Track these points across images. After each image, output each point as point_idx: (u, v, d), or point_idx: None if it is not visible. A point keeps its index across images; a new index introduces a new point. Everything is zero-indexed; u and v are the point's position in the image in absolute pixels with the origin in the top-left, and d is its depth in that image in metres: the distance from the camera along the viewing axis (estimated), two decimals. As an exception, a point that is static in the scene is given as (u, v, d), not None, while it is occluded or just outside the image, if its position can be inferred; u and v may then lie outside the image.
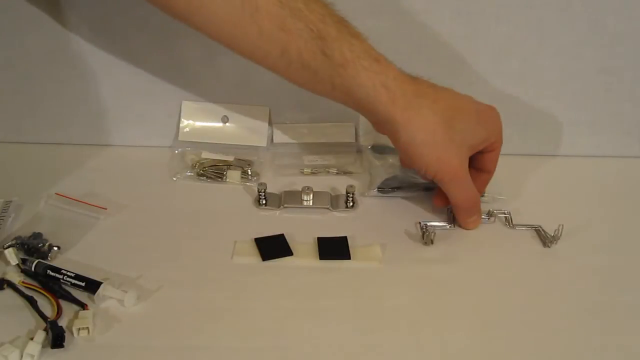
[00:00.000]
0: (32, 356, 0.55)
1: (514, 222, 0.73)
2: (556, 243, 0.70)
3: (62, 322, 0.58)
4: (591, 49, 0.82)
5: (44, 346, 0.56)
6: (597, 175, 0.84)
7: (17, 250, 0.65)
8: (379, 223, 0.74)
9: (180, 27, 0.76)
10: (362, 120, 0.85)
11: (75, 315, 0.59)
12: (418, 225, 0.72)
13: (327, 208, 0.75)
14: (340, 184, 0.78)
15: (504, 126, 0.85)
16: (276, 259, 0.67)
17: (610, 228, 0.74)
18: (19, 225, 0.71)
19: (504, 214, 0.74)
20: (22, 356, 0.55)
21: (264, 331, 0.59)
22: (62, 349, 0.56)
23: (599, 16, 0.80)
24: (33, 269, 0.63)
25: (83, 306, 0.60)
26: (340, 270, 0.67)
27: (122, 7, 0.79)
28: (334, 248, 0.68)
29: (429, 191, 0.77)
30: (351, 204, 0.76)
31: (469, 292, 0.65)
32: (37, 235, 0.67)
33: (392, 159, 0.83)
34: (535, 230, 0.72)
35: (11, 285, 0.62)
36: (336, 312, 0.62)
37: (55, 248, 0.66)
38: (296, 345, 0.58)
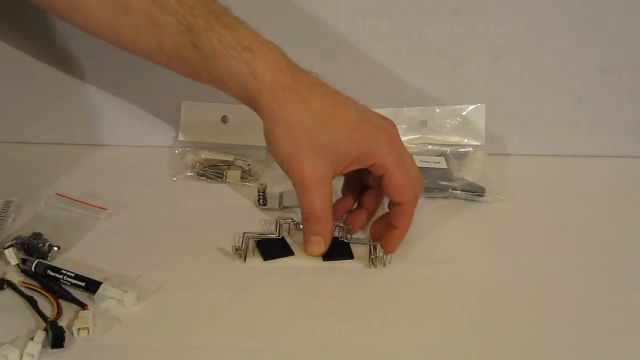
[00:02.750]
0: (32, 356, 0.55)
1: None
2: (384, 265, 0.66)
3: (62, 322, 0.58)
4: (591, 49, 0.82)
5: (44, 346, 0.56)
6: (597, 175, 0.84)
7: (17, 250, 0.65)
8: (379, 223, 0.74)
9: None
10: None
11: (75, 315, 0.59)
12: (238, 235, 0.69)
13: (327, 208, 0.75)
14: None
15: (504, 126, 0.85)
16: (279, 259, 0.67)
17: (611, 228, 0.74)
18: (19, 225, 0.71)
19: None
20: (22, 356, 0.55)
21: (264, 331, 0.59)
22: (62, 349, 0.56)
23: (599, 16, 0.80)
24: (33, 269, 0.63)
25: (83, 306, 0.60)
26: (341, 270, 0.67)
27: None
28: (336, 248, 0.68)
29: (430, 191, 0.77)
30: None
31: (469, 292, 0.65)
32: (37, 235, 0.67)
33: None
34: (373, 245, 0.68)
35: (11, 285, 0.62)
36: (336, 312, 0.62)
37: (55, 248, 0.66)
38: (296, 345, 0.58)
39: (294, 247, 0.69)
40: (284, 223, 0.71)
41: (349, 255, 0.68)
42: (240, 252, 0.67)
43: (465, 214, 0.76)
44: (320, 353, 0.58)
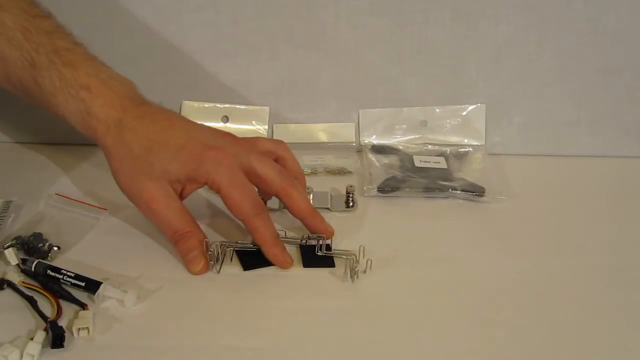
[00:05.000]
0: (32, 356, 0.55)
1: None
2: (357, 276, 0.64)
3: (62, 322, 0.58)
4: (591, 49, 0.82)
5: (44, 346, 0.56)
6: (597, 175, 0.84)
7: (17, 250, 0.65)
8: (379, 223, 0.74)
9: (180, 27, 0.76)
10: (362, 120, 0.85)
11: (75, 315, 0.59)
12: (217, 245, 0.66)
13: (327, 208, 0.75)
14: (340, 184, 0.78)
15: (504, 126, 0.85)
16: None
17: (611, 228, 0.74)
18: (19, 225, 0.71)
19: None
20: (22, 356, 0.55)
21: (264, 331, 0.59)
22: (62, 349, 0.56)
23: (599, 16, 0.80)
24: (33, 269, 0.63)
25: (83, 306, 0.60)
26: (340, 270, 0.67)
27: (122, 7, 0.79)
28: (316, 256, 0.67)
29: (430, 191, 0.77)
30: (351, 204, 0.76)
31: (469, 292, 0.65)
32: (37, 235, 0.67)
33: (392, 159, 0.83)
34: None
35: (11, 285, 0.62)
36: (336, 312, 0.62)
37: (55, 248, 0.66)
38: (296, 345, 0.58)
39: None
40: None
41: (331, 263, 0.67)
42: (213, 262, 0.65)
43: (465, 214, 0.76)
44: (320, 353, 0.58)
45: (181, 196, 0.67)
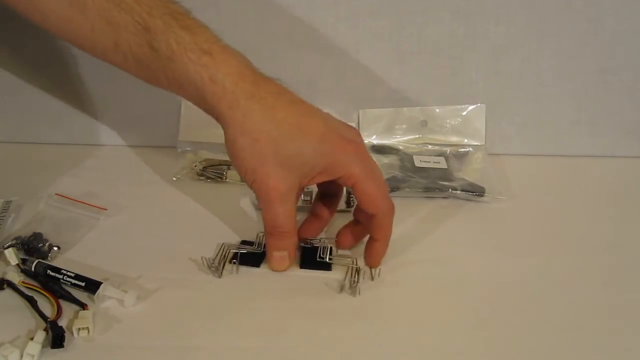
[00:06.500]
0: (32, 356, 0.55)
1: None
2: (358, 293, 0.63)
3: (62, 322, 0.58)
4: (591, 49, 0.82)
5: (44, 346, 0.56)
6: (597, 175, 0.84)
7: (17, 250, 0.65)
8: (379, 223, 0.74)
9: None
10: (362, 120, 0.85)
11: (75, 315, 0.59)
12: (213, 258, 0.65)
13: (327, 208, 0.75)
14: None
15: (504, 126, 0.85)
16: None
17: (610, 228, 0.74)
18: (19, 225, 0.71)
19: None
20: (22, 356, 0.55)
21: (264, 331, 0.59)
22: (62, 349, 0.56)
23: (599, 16, 0.80)
24: (33, 269, 0.63)
25: (83, 306, 0.60)
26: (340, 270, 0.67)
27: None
28: (314, 258, 0.67)
29: (430, 191, 0.78)
30: (351, 203, 0.76)
31: (469, 292, 0.65)
32: (37, 235, 0.67)
33: (392, 159, 0.83)
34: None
35: (11, 285, 0.62)
36: (336, 312, 0.62)
37: (55, 248, 0.66)
38: (296, 345, 0.58)
39: None
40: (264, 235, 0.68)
41: (327, 267, 0.66)
42: (215, 267, 0.65)
43: (465, 214, 0.76)
44: (321, 353, 0.58)
45: (299, 188, 0.64)
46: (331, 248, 0.68)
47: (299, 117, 0.62)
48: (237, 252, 0.67)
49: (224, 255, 0.66)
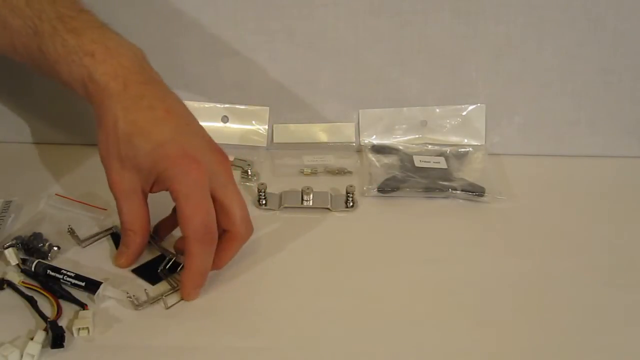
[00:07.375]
0: (32, 356, 0.55)
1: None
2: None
3: (62, 322, 0.58)
4: (591, 49, 0.82)
5: (44, 346, 0.56)
6: (597, 175, 0.84)
7: (17, 250, 0.65)
8: (379, 223, 0.74)
9: (180, 27, 0.76)
10: (362, 120, 0.85)
11: (75, 315, 0.59)
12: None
13: (327, 208, 0.75)
14: (340, 184, 0.78)
15: (504, 126, 0.85)
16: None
17: (611, 228, 0.74)
18: (19, 225, 0.71)
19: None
20: (22, 356, 0.55)
21: (264, 331, 0.59)
22: (62, 349, 0.56)
23: (599, 16, 0.80)
24: (33, 269, 0.63)
25: (83, 306, 0.60)
26: (340, 271, 0.67)
27: (122, 7, 0.79)
28: (149, 269, 0.65)
29: (430, 191, 0.77)
30: (351, 204, 0.76)
31: (469, 292, 0.65)
32: (37, 235, 0.67)
33: (392, 159, 0.83)
34: None
35: (11, 285, 0.62)
36: (336, 312, 0.62)
37: (55, 248, 0.66)
38: (296, 345, 0.58)
39: None
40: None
41: (153, 279, 0.64)
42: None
43: (465, 214, 0.76)
44: (321, 353, 0.58)
45: (150, 191, 0.64)
46: (175, 263, 0.65)
47: (149, 122, 0.63)
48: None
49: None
